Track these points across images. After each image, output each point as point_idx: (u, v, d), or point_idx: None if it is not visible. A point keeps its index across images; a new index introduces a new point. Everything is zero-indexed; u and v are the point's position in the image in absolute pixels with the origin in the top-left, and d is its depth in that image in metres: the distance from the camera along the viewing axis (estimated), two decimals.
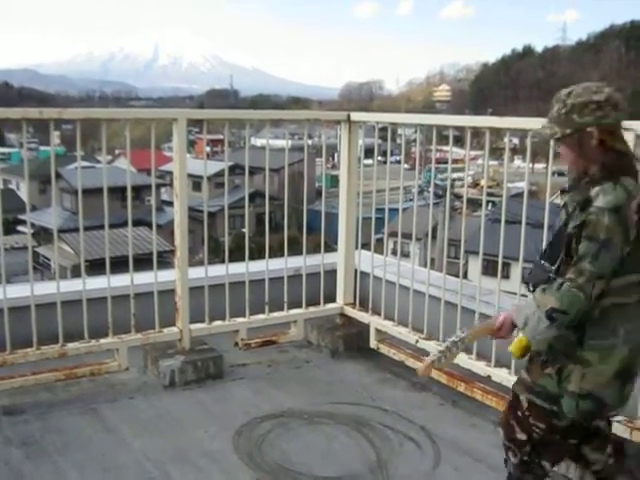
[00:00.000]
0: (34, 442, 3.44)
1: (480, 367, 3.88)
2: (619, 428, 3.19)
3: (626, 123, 3.20)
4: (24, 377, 3.89)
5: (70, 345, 3.99)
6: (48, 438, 3.48)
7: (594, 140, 2.35)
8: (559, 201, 2.53)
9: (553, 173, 3.66)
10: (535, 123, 3.54)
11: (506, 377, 3.65)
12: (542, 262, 2.48)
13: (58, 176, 30.22)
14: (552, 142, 2.75)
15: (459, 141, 4.94)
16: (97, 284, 4.23)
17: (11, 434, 3.50)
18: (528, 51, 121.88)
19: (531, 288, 2.49)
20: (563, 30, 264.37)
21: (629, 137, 3.08)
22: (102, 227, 4.13)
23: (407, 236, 4.65)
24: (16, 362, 3.86)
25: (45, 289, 4.17)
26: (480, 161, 28.98)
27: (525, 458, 2.63)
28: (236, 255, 4.83)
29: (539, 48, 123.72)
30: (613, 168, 2.34)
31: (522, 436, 2.61)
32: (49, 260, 28.35)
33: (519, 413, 2.61)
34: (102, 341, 4.08)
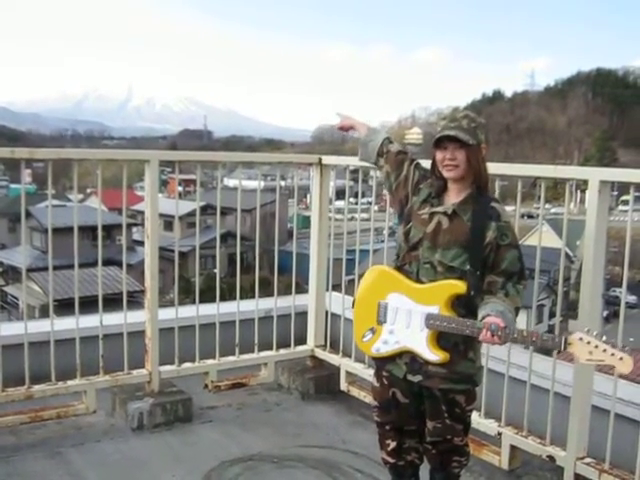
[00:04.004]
0: None
1: None
2: (587, 470, 3.20)
3: (588, 170, 3.30)
4: None
5: (36, 387, 3.92)
6: None
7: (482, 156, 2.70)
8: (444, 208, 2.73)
9: (522, 215, 3.73)
10: (504, 168, 3.63)
11: (476, 419, 3.65)
12: (475, 271, 2.65)
13: (28, 215, 30.01)
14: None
15: None
16: (65, 325, 4.18)
17: None
18: (498, 96, 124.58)
19: (472, 293, 2.65)
20: (531, 76, 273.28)
21: (593, 183, 3.17)
22: (72, 266, 4.10)
23: None
24: None
25: (12, 330, 4.12)
26: None
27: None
28: (207, 295, 4.81)
29: (509, 93, 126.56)
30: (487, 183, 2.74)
31: (460, 426, 2.84)
32: (17, 299, 27.96)
33: (457, 410, 2.80)
34: (69, 383, 4.01)
